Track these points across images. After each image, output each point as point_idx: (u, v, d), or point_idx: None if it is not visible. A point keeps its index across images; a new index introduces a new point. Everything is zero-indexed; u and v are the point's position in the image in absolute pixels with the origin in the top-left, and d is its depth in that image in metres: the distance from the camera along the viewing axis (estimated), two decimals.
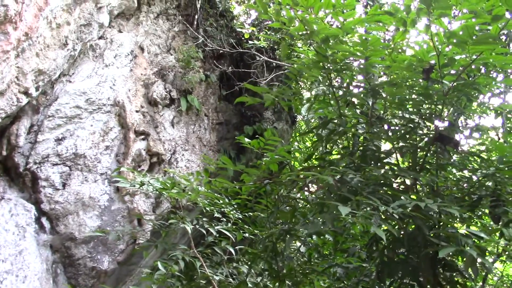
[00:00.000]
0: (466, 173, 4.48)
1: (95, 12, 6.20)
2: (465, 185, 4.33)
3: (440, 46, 3.68)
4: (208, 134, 8.48)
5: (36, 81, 5.42)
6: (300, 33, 3.99)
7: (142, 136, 6.94)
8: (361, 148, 4.43)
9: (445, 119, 4.40)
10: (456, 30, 3.49)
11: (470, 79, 4.31)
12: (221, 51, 8.97)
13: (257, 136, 6.07)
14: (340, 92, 4.49)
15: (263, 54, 9.13)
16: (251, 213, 5.08)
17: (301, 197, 5.29)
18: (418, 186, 4.31)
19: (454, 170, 4.59)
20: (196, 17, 8.81)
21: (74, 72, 6.49)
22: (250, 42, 8.99)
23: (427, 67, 3.85)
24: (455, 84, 3.88)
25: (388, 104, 4.45)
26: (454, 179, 4.47)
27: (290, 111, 9.72)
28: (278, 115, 9.51)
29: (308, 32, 3.84)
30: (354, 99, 4.62)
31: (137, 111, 7.03)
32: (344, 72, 4.27)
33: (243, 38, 9.48)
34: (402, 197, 3.51)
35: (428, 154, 4.27)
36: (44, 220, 5.79)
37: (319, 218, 4.10)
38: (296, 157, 10.21)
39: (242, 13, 10.33)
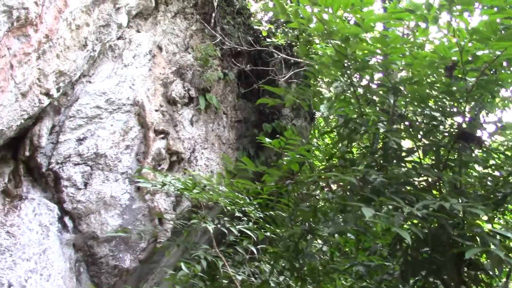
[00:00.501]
0: (490, 170, 4.42)
1: (113, 13, 6.23)
2: (489, 182, 4.27)
3: (463, 42, 3.63)
4: (227, 132, 8.49)
5: (57, 82, 5.47)
6: (319, 32, 3.96)
7: (162, 135, 6.97)
8: (383, 146, 4.39)
9: (468, 116, 4.33)
10: (479, 26, 3.43)
11: (492, 73, 4.24)
12: (239, 49, 8.96)
13: (276, 133, 5.99)
14: (360, 90, 4.45)
15: (281, 52, 9.10)
16: (272, 212, 5.08)
17: (320, 195, 5.27)
18: (441, 184, 4.26)
19: (477, 167, 4.53)
20: (213, 15, 8.80)
21: (94, 73, 6.55)
22: (268, 40, 8.95)
23: (450, 64, 3.79)
24: (478, 81, 3.81)
25: (409, 101, 4.40)
26: (478, 176, 4.41)
27: (309, 108, 9.68)
28: (296, 112, 9.48)
29: (327, 31, 3.81)
30: (375, 97, 4.57)
31: (156, 110, 7.07)
32: (364, 70, 4.23)
33: (260, 36, 9.45)
34: (426, 197, 3.47)
35: (451, 152, 4.22)
36: (66, 219, 5.87)
37: (340, 217, 4.09)
38: (315, 154, 10.17)
39: (259, 10, 10.30)
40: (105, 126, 6.39)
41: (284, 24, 9.50)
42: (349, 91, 4.42)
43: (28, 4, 4.37)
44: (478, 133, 4.36)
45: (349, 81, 4.25)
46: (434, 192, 4.16)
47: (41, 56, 4.96)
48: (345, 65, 4.10)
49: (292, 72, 8.99)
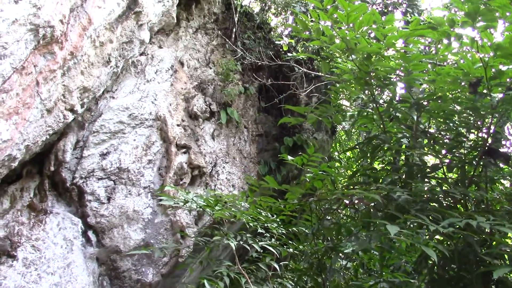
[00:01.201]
0: None
1: (136, 30, 6.32)
2: None
3: (487, 57, 3.58)
4: (248, 146, 8.50)
5: (81, 98, 5.55)
6: (341, 50, 3.95)
7: (184, 150, 7.01)
8: (406, 163, 4.34)
9: (492, 130, 4.26)
10: (503, 42, 3.39)
11: None
12: (259, 63, 8.99)
13: (297, 147, 5.90)
14: (382, 105, 4.43)
15: (302, 66, 9.11)
16: (294, 229, 5.04)
17: (344, 211, 5.24)
18: (466, 200, 4.19)
19: (505, 183, 4.46)
20: (234, 30, 8.88)
21: (117, 88, 6.64)
22: (289, 54, 8.97)
23: (474, 80, 3.74)
24: (504, 96, 3.76)
25: (432, 118, 4.35)
26: (505, 192, 4.33)
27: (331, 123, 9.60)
28: (317, 126, 9.42)
29: (349, 48, 3.80)
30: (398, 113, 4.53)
31: (178, 125, 7.12)
32: (387, 87, 4.21)
33: (281, 50, 9.48)
34: (452, 212, 3.41)
35: (477, 168, 4.15)
36: (90, 233, 5.91)
37: (364, 233, 4.04)
38: (337, 169, 10.09)
39: (280, 24, 10.35)
40: (128, 141, 6.45)
41: (305, 38, 9.50)
42: (371, 107, 4.39)
43: (54, 23, 4.45)
44: (504, 149, 4.30)
45: (371, 97, 4.22)
46: (460, 207, 4.10)
47: (66, 72, 5.04)
48: (367, 82, 4.08)
49: (313, 86, 8.98)
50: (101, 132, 6.21)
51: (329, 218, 5.34)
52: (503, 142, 4.53)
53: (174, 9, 7.36)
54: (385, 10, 10.86)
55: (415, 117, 4.18)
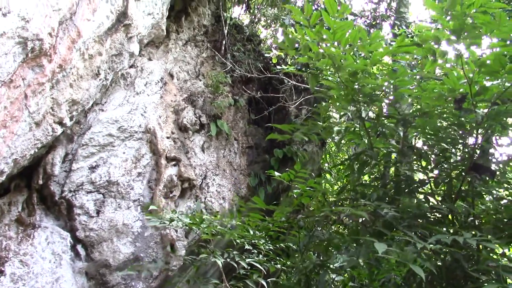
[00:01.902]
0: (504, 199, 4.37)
1: (125, 42, 6.32)
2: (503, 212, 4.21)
3: (472, 74, 3.62)
4: (238, 158, 8.49)
5: (70, 111, 5.53)
6: (327, 66, 3.99)
7: (173, 162, 7.00)
8: (394, 178, 4.37)
9: (479, 146, 4.30)
10: (488, 58, 3.44)
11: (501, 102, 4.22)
12: (249, 76, 9.02)
13: (287, 158, 5.86)
14: (369, 121, 4.44)
15: (291, 78, 9.14)
16: (282, 244, 5.04)
17: (333, 226, 5.23)
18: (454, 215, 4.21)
19: (490, 197, 4.48)
20: (224, 42, 8.92)
21: (106, 101, 6.64)
22: (278, 67, 9.01)
23: (459, 97, 3.79)
24: (488, 112, 3.80)
25: (419, 133, 4.38)
26: (491, 207, 4.36)
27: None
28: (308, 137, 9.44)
29: (336, 66, 3.83)
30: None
31: (168, 137, 7.12)
32: (373, 103, 4.24)
33: (270, 62, 9.52)
34: (439, 229, 3.43)
35: (463, 182, 4.18)
36: (79, 247, 5.87)
37: (353, 248, 4.04)
38: (328, 180, 10.10)
39: (269, 36, 10.40)
40: (117, 153, 6.43)
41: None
42: (358, 123, 4.42)
43: (43, 36, 4.44)
44: (494, 161, 4.33)
45: (358, 113, 4.25)
46: (447, 223, 4.12)
47: (54, 85, 5.03)
48: (354, 98, 4.11)
49: (303, 98, 9.01)
50: (90, 145, 6.19)
51: (319, 229, 5.32)
52: (490, 158, 4.56)
53: (163, 22, 7.38)
54: (374, 23, 10.97)
55: (401, 133, 4.22)
